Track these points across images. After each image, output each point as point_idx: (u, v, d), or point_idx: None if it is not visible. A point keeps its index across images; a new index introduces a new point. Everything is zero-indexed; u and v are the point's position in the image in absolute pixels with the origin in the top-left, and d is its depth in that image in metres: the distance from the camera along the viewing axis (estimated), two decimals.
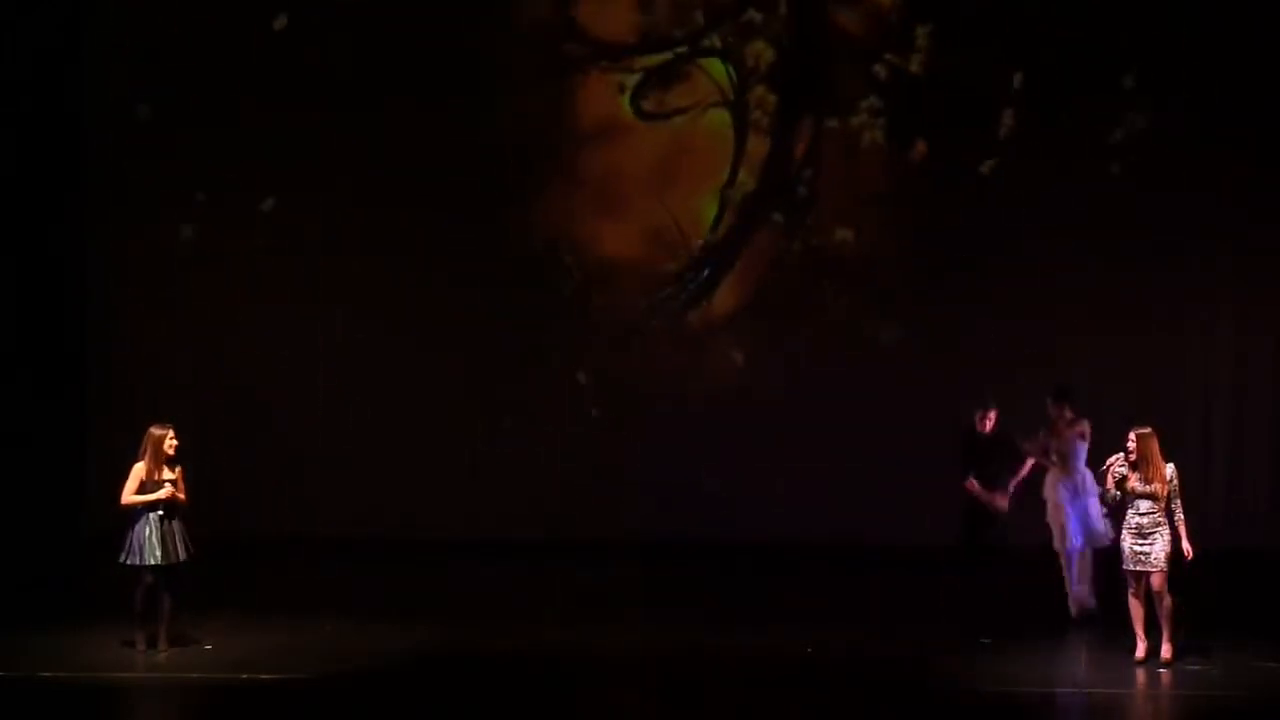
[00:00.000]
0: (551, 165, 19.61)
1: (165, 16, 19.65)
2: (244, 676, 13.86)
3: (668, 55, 19.55)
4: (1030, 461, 15.94)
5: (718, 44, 19.50)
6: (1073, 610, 15.82)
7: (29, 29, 19.20)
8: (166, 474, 14.46)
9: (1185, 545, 13.98)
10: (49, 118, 19.42)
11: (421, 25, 19.52)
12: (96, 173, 19.83)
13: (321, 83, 19.43)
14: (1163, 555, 13.94)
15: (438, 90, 19.47)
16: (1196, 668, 14.00)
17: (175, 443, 14.50)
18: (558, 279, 19.58)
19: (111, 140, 19.77)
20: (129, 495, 14.47)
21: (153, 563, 14.35)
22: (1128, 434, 14.12)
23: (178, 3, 19.74)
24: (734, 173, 19.50)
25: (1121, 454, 14.08)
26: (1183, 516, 14.01)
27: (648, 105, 19.56)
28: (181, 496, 14.50)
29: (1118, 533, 14.21)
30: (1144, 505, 13.99)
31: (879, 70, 19.23)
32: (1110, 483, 14.06)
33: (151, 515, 14.39)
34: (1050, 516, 16.01)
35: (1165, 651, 14.04)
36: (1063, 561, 15.96)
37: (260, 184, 19.59)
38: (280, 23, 19.44)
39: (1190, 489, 14.10)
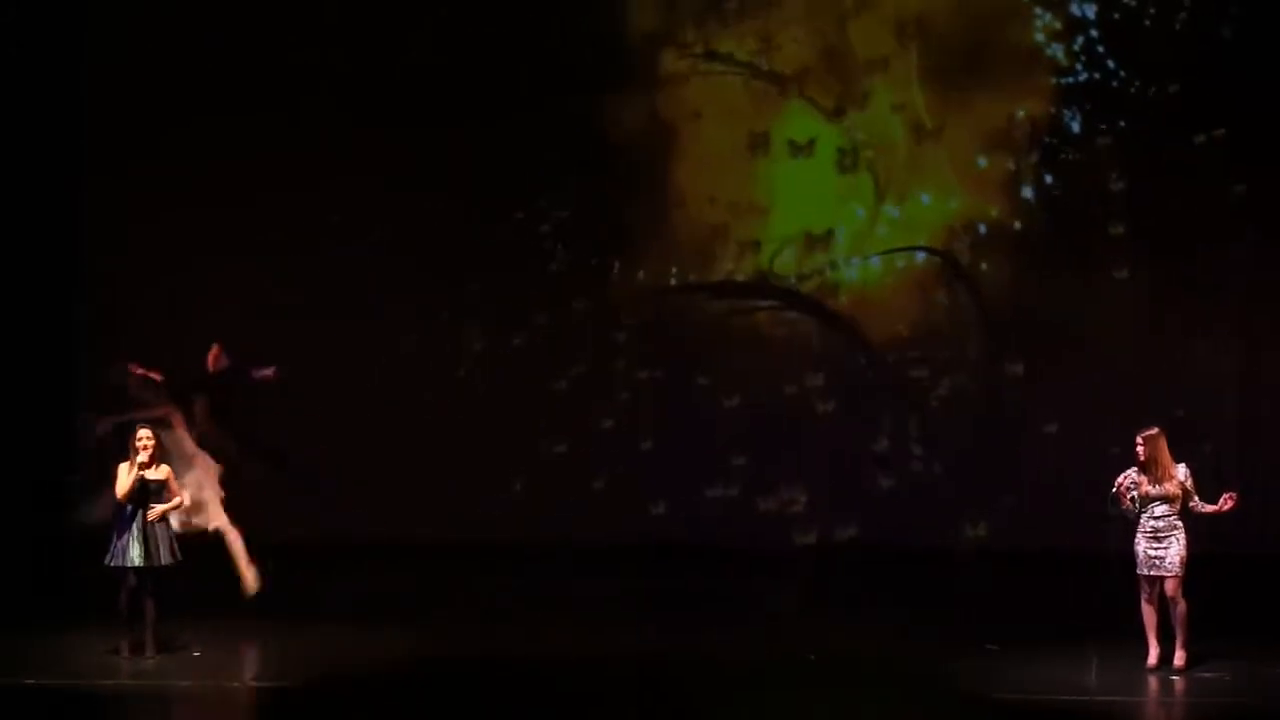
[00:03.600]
0: (569, 173, 19.47)
1: (166, 16, 19.58)
2: (233, 684, 13.71)
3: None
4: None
5: None
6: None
7: (29, 29, 19.17)
8: (152, 474, 14.36)
9: (1217, 507, 13.70)
10: (49, 118, 19.41)
11: (424, 21, 19.48)
12: (97, 173, 19.82)
13: (325, 81, 19.44)
14: (1177, 560, 13.75)
15: (444, 89, 19.44)
16: (1210, 675, 13.84)
17: (151, 442, 14.38)
18: (564, 285, 19.44)
19: (112, 140, 19.74)
20: (120, 489, 14.37)
21: (131, 565, 14.21)
22: (1136, 436, 13.86)
23: (178, 2, 19.65)
24: None
25: (1131, 470, 13.80)
26: (1205, 504, 13.75)
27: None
28: (179, 498, 14.38)
29: (1131, 539, 13.94)
30: (1159, 509, 13.80)
31: None
32: (1126, 502, 13.78)
33: (136, 516, 14.25)
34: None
35: (1178, 658, 13.87)
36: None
37: (262, 183, 19.47)
38: None
39: (1203, 494, 13.85)
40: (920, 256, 19.21)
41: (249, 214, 19.46)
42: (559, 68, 19.40)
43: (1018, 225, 19.12)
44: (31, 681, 13.75)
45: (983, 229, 19.14)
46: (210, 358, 16.39)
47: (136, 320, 19.64)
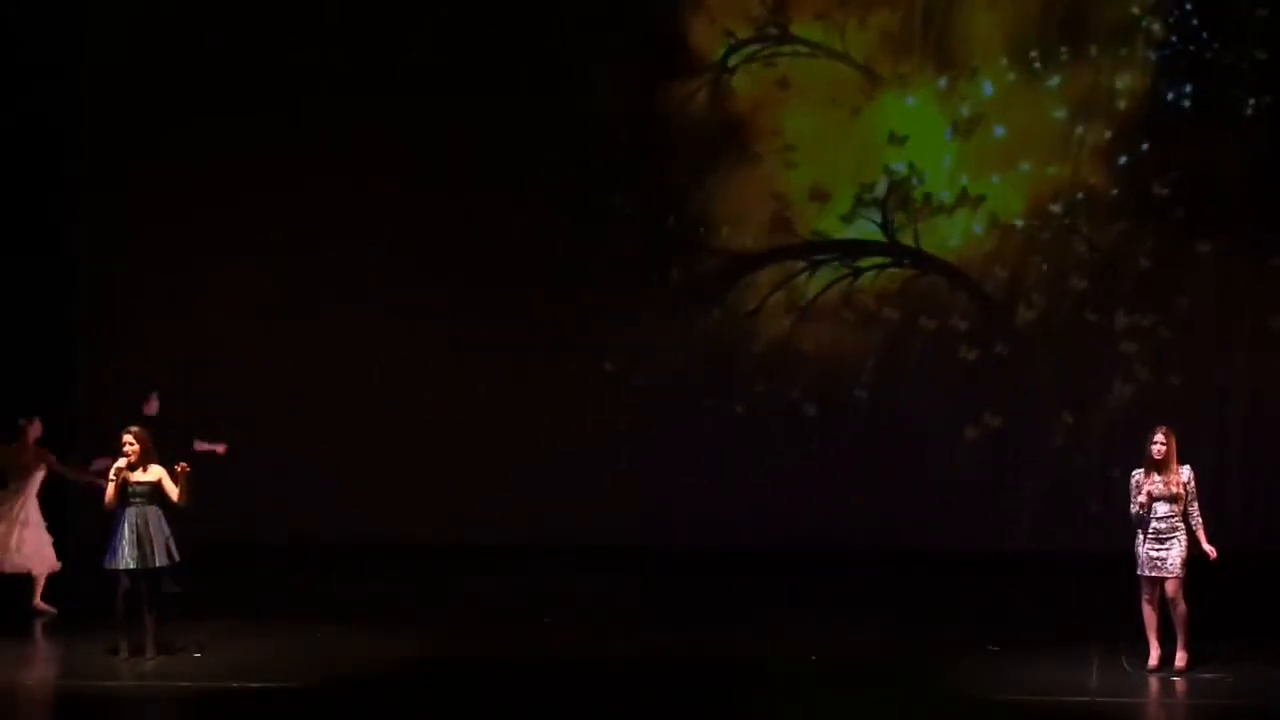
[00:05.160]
0: (570, 170, 19.43)
1: (166, 16, 19.57)
2: (234, 685, 13.65)
3: None
4: None
5: None
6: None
7: (29, 29, 19.14)
8: (139, 475, 14.33)
9: (1206, 547, 13.70)
10: (49, 117, 19.36)
11: (425, 18, 19.46)
12: (96, 172, 19.78)
13: (325, 81, 19.36)
14: (1178, 561, 13.68)
15: (445, 89, 19.35)
16: (1211, 676, 13.78)
17: (135, 447, 14.34)
18: (567, 283, 19.42)
19: (112, 140, 19.70)
20: (106, 495, 14.43)
21: (125, 567, 14.16)
22: (1153, 432, 13.78)
23: (178, 2, 19.64)
24: None
25: (1138, 471, 13.75)
26: (1200, 520, 13.72)
27: None
28: (176, 491, 14.36)
29: (1132, 540, 13.89)
30: (1161, 509, 13.72)
31: None
32: (1143, 499, 13.71)
33: (128, 518, 14.18)
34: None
35: (1179, 659, 13.80)
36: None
37: (262, 183, 19.42)
38: None
39: (1206, 492, 13.82)
40: (1020, 224, 19.18)
41: (249, 214, 19.41)
42: (559, 65, 19.35)
43: (1115, 193, 19.08)
44: (31, 682, 13.76)
45: (1080, 196, 19.12)
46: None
47: (136, 320, 19.63)
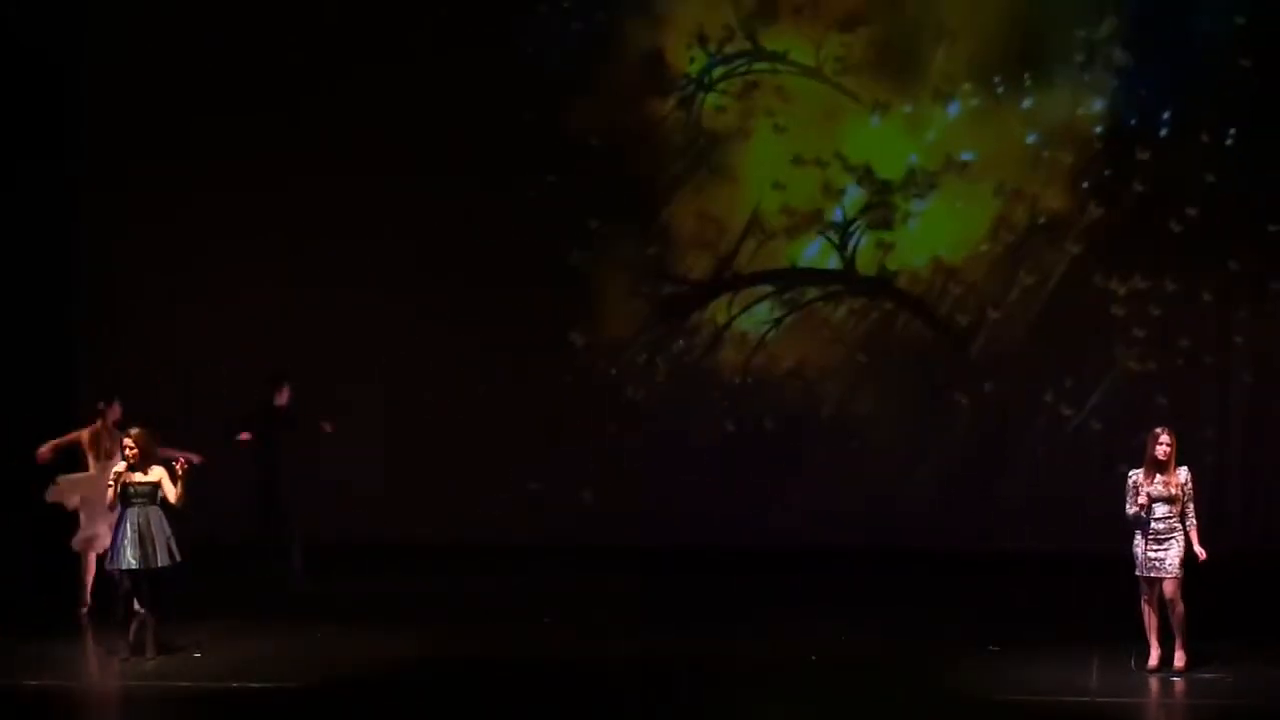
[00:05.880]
0: (570, 171, 19.44)
1: (166, 16, 19.55)
2: (234, 685, 13.66)
3: None
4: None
5: None
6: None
7: (29, 29, 19.14)
8: (140, 476, 14.33)
9: (1198, 549, 13.71)
10: (49, 117, 19.37)
11: (425, 18, 19.46)
12: (96, 172, 19.74)
13: (325, 81, 19.35)
14: (1176, 561, 13.69)
15: (445, 88, 19.31)
16: (1210, 676, 13.78)
17: (135, 450, 14.37)
18: (565, 286, 19.40)
19: (112, 140, 19.67)
20: (107, 496, 14.46)
21: (127, 567, 14.16)
22: (1159, 433, 13.77)
23: (178, 2, 19.64)
24: None
25: (1137, 471, 13.74)
26: (1195, 521, 13.73)
27: None
28: (176, 491, 14.38)
29: (1130, 540, 13.90)
30: (1160, 510, 13.73)
31: None
32: (1144, 500, 13.69)
33: (130, 518, 14.18)
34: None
35: (1179, 660, 13.80)
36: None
37: (262, 183, 19.42)
38: None
39: (1206, 492, 13.79)
40: (983, 248, 19.15)
41: (249, 214, 19.40)
42: (559, 66, 19.36)
43: (1081, 216, 19.01)
44: (32, 682, 13.76)
45: (1042, 220, 19.08)
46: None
47: (136, 320, 19.62)
